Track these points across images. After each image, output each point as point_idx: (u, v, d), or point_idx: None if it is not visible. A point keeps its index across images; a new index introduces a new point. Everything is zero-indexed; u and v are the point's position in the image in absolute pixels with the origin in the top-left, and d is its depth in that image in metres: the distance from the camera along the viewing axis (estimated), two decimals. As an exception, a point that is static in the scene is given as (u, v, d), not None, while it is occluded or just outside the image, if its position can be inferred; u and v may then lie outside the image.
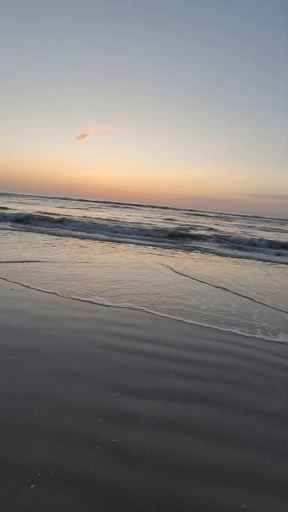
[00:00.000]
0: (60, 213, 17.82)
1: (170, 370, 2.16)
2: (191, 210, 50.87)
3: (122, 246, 8.45)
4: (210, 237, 11.70)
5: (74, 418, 1.61)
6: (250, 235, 13.92)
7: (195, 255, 8.10)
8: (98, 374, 2.04)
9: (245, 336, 2.90)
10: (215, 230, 16.15)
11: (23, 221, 11.61)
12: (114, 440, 1.49)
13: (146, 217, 22.72)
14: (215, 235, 12.79)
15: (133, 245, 8.79)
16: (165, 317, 3.20)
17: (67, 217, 15.37)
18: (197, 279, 5.04)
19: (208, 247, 9.80)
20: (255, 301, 4.09)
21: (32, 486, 1.22)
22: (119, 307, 3.35)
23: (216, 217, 36.08)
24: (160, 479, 1.31)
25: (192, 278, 5.07)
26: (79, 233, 10.37)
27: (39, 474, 1.27)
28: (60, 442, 1.45)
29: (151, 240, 10.22)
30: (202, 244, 10.35)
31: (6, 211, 14.36)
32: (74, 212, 21.48)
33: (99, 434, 1.52)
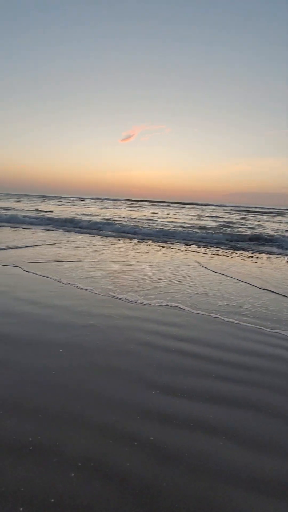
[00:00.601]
0: (105, 214, 18.41)
1: (210, 371, 2.11)
2: (237, 207, 48.87)
3: (164, 245, 8.44)
4: (258, 235, 11.11)
5: (113, 413, 1.66)
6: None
7: (240, 254, 7.78)
8: (137, 370, 2.07)
9: (294, 339, 2.71)
10: (263, 227, 15.33)
11: (69, 223, 12.20)
12: (151, 438, 1.50)
13: (190, 215, 22.40)
14: (262, 232, 12.13)
15: (176, 244, 8.73)
16: (204, 315, 3.13)
17: (111, 218, 15.82)
18: (241, 279, 4.83)
19: (255, 246, 9.33)
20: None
21: (72, 474, 1.28)
22: (156, 305, 3.36)
23: (266, 212, 34.02)
24: (196, 482, 1.28)
25: (235, 279, 4.87)
26: (121, 233, 10.61)
27: (79, 464, 1.33)
28: (100, 434, 1.51)
29: (195, 239, 10.05)
30: (249, 243, 9.89)
31: (53, 214, 15.27)
32: (118, 212, 22.03)
33: (137, 430, 1.54)
